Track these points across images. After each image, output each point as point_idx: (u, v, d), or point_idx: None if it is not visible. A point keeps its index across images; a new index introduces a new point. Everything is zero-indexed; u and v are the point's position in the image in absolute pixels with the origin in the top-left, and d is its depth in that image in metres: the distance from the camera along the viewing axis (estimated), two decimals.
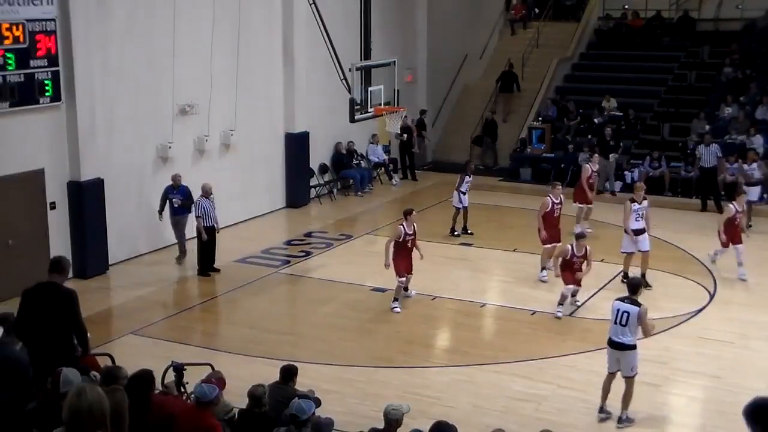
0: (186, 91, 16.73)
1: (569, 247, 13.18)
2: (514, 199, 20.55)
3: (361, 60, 16.62)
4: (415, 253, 13.68)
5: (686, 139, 21.90)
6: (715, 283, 14.59)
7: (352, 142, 21.90)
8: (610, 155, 21.27)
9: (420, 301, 13.64)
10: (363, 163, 22.50)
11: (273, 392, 8.32)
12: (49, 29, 13.98)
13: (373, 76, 16.21)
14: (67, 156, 14.72)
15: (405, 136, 22.53)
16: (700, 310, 13.51)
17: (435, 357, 12.25)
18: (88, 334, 8.71)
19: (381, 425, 7.71)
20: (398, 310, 13.37)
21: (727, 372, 11.29)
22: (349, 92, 15.87)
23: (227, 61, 17.55)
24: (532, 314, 13.43)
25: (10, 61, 13.43)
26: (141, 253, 16.19)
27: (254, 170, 19.08)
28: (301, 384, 8.94)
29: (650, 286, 13.68)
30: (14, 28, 13.44)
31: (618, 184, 21.60)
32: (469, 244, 17.24)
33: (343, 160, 21.76)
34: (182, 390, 8.97)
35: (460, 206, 17.58)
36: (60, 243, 14.71)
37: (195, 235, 15.39)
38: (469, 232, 17.76)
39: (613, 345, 9.86)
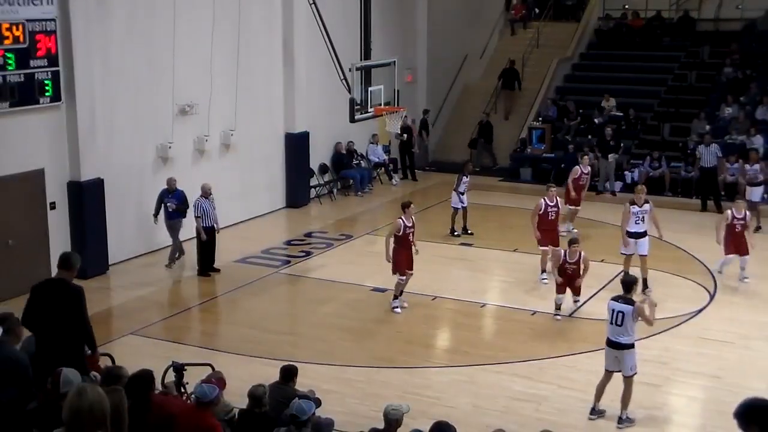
0: (186, 91, 16.73)
1: (562, 252, 13.14)
2: (515, 199, 20.55)
3: (361, 60, 16.61)
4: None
5: (686, 140, 21.90)
6: (716, 284, 14.58)
7: (352, 142, 21.90)
8: (610, 155, 21.29)
9: (420, 302, 13.63)
10: (363, 163, 22.50)
11: (273, 392, 8.32)
12: (49, 29, 13.98)
13: (373, 76, 16.21)
14: (67, 156, 14.71)
15: (405, 136, 22.53)
16: (700, 311, 13.51)
17: (435, 357, 12.25)
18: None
19: (381, 425, 7.70)
20: (399, 309, 13.29)
21: (727, 372, 11.29)
22: (349, 92, 15.86)
23: (227, 61, 17.55)
24: (533, 314, 13.42)
25: (10, 61, 13.42)
26: (141, 253, 16.17)
27: (254, 170, 19.08)
28: (301, 384, 8.94)
29: (649, 289, 13.64)
30: (14, 28, 13.43)
31: (618, 185, 21.62)
32: (470, 245, 17.24)
33: (343, 160, 21.76)
34: (182, 390, 8.97)
35: (459, 207, 17.58)
36: (60, 243, 14.68)
37: (192, 236, 15.37)
38: (469, 232, 17.75)
39: (611, 345, 9.89)
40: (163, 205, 15.45)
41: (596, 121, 23.33)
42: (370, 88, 15.96)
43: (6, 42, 13.35)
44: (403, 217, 13.26)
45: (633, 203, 13.95)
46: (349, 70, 15.90)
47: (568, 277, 12.96)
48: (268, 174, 19.58)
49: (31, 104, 13.89)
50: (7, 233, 13.89)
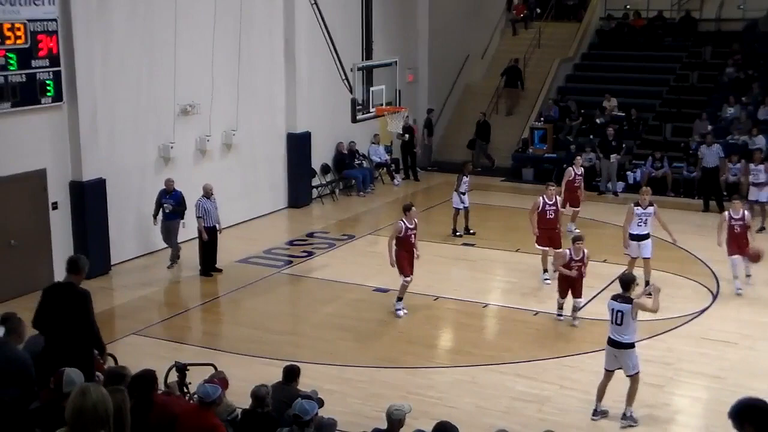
0: (187, 91, 16.73)
1: (567, 251, 12.77)
2: (516, 199, 20.53)
3: (362, 60, 16.60)
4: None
5: (688, 140, 21.89)
6: (718, 284, 14.56)
7: (353, 142, 21.89)
8: (612, 156, 21.28)
9: (422, 302, 13.61)
10: (365, 163, 22.50)
11: (276, 393, 8.30)
12: (50, 29, 13.97)
13: (375, 76, 16.19)
14: (69, 156, 14.71)
15: (407, 136, 22.54)
16: (703, 311, 13.49)
17: (437, 357, 12.24)
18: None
19: (384, 426, 7.68)
20: (401, 312, 13.12)
21: (730, 372, 11.27)
22: (351, 92, 15.85)
23: (229, 60, 17.55)
24: (535, 314, 13.41)
25: (11, 62, 13.42)
26: (143, 253, 16.16)
27: (256, 170, 19.08)
28: (304, 384, 8.92)
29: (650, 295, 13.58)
30: (16, 28, 13.43)
31: (620, 185, 21.62)
32: (472, 245, 17.23)
33: (345, 160, 21.76)
34: (185, 390, 8.97)
35: (461, 207, 17.56)
36: (62, 243, 14.71)
37: (188, 239, 15.35)
38: (471, 232, 17.74)
39: (612, 344, 9.90)
40: (160, 206, 15.40)
41: (598, 121, 23.32)
42: (371, 88, 15.95)
43: (7, 42, 13.35)
44: (404, 219, 13.09)
45: (637, 204, 13.90)
46: (351, 70, 15.89)
47: (573, 277, 12.66)
48: (269, 174, 19.58)
49: (32, 104, 13.89)
50: (10, 233, 13.89)
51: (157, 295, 14.83)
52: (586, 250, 12.72)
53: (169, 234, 15.49)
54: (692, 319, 13.13)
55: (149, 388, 7.33)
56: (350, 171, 21.81)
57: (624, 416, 9.88)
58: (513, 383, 11.01)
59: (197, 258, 15.40)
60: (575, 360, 11.66)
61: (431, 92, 25.35)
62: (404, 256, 13.07)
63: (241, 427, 7.89)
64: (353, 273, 15.36)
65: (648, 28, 26.16)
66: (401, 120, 17.50)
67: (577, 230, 16.79)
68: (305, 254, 16.73)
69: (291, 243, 17.60)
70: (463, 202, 17.50)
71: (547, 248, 14.49)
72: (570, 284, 12.72)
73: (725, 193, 19.92)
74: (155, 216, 15.45)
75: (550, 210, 14.48)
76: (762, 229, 18.01)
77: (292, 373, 8.75)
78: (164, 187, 15.43)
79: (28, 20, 13.63)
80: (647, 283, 13.42)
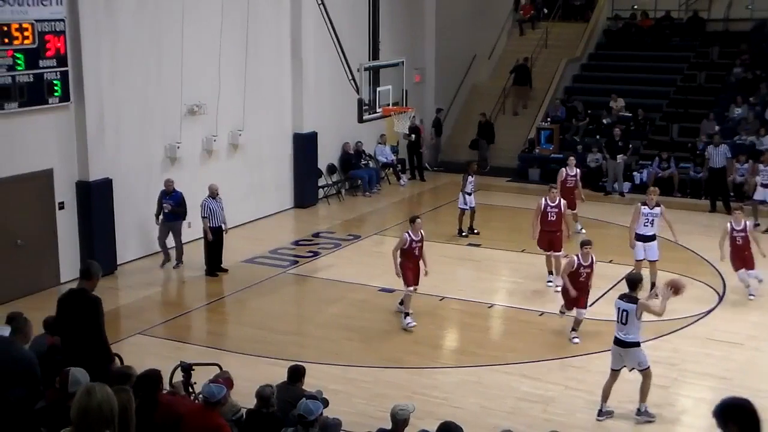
0: (194, 92, 16.76)
1: (575, 258, 12.24)
2: (522, 199, 20.49)
3: (369, 60, 16.60)
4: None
5: (695, 140, 21.83)
6: (724, 284, 14.52)
7: (360, 142, 21.90)
8: (619, 156, 21.24)
9: (428, 302, 13.61)
10: (371, 164, 22.51)
11: (281, 393, 8.32)
12: (58, 29, 14.02)
13: (382, 77, 16.19)
14: (75, 156, 14.75)
15: (413, 136, 22.55)
16: (709, 312, 13.46)
17: (442, 357, 12.25)
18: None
19: (388, 426, 7.70)
20: (413, 324, 12.75)
21: (736, 373, 11.25)
22: (358, 92, 15.85)
23: (235, 61, 17.57)
24: (540, 315, 13.40)
25: (19, 62, 13.47)
26: (149, 253, 16.18)
27: (262, 170, 19.10)
28: (309, 384, 8.94)
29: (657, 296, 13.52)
30: (23, 28, 13.47)
31: (627, 185, 21.58)
32: (477, 245, 17.23)
33: (351, 160, 21.77)
34: (190, 390, 8.99)
35: (466, 207, 17.55)
36: (68, 243, 14.75)
37: (193, 239, 15.36)
38: (475, 231, 17.73)
39: (617, 343, 9.93)
40: (162, 207, 15.37)
41: (605, 121, 23.29)
42: (378, 89, 15.95)
43: (15, 42, 13.39)
44: (409, 231, 12.85)
45: (644, 204, 13.85)
46: (358, 70, 15.89)
47: (582, 285, 12.17)
48: (276, 174, 19.60)
49: (40, 104, 13.93)
50: (16, 233, 13.93)
51: (162, 295, 14.88)
52: (594, 257, 12.32)
53: (166, 235, 15.41)
54: (698, 320, 13.10)
55: (154, 388, 7.36)
56: (356, 171, 21.83)
57: (639, 412, 9.90)
58: (518, 383, 11.01)
59: (203, 258, 15.43)
60: (580, 360, 11.65)
61: (438, 92, 25.34)
62: (408, 267, 12.83)
63: (246, 427, 7.91)
64: (359, 273, 15.37)
65: (655, 29, 26.10)
66: (408, 120, 17.48)
67: (583, 230, 16.80)
68: (311, 254, 16.74)
69: (297, 243, 17.61)
70: (467, 203, 17.49)
71: (548, 252, 14.39)
72: (581, 294, 12.27)
73: (732, 194, 19.90)
74: (158, 216, 15.44)
75: (551, 212, 14.32)
76: (756, 225, 17.93)
77: (296, 373, 8.77)
78: (164, 188, 15.40)
79: (36, 20, 13.68)
80: (653, 285, 13.40)
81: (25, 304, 12.18)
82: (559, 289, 13.81)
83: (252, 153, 18.67)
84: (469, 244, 17.25)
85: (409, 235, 12.80)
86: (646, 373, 9.85)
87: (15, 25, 13.35)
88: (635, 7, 27.09)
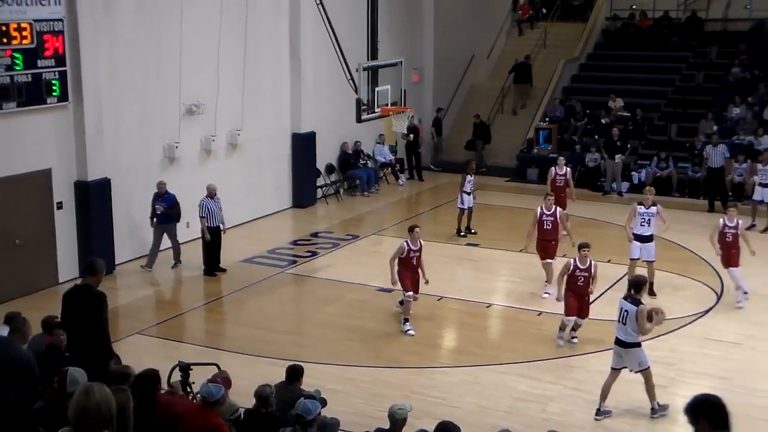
0: (193, 91, 16.76)
1: (571, 261, 11.96)
2: (521, 199, 20.52)
3: (367, 60, 16.60)
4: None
5: (694, 140, 21.86)
6: (722, 284, 14.53)
7: (358, 142, 21.91)
8: (617, 156, 21.26)
9: (426, 302, 13.62)
10: (369, 163, 22.53)
11: (279, 392, 8.33)
12: (56, 29, 14.02)
13: (380, 77, 16.19)
14: (74, 156, 14.75)
15: (411, 136, 22.56)
16: (707, 311, 13.48)
17: (441, 357, 12.26)
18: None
19: (386, 425, 7.71)
20: (412, 332, 12.65)
21: (734, 373, 11.27)
22: (356, 92, 15.85)
23: (234, 60, 17.58)
24: (538, 315, 13.41)
25: (17, 61, 13.46)
26: (147, 253, 16.16)
27: (261, 170, 19.11)
28: (307, 384, 8.95)
29: (655, 295, 13.56)
30: (22, 28, 13.47)
31: (625, 185, 21.60)
32: (476, 245, 17.24)
33: (350, 160, 21.78)
34: (188, 390, 8.99)
35: (464, 207, 17.55)
36: (67, 243, 14.76)
37: (191, 239, 15.36)
38: (472, 231, 17.74)
39: (618, 342, 9.95)
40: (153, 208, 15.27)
41: (603, 121, 23.30)
42: (376, 88, 15.95)
43: (14, 42, 13.39)
44: (408, 240, 12.75)
45: (641, 204, 13.85)
46: (356, 70, 15.89)
47: (579, 289, 11.90)
48: (274, 174, 19.61)
49: (38, 104, 13.93)
50: (15, 233, 13.93)
51: (160, 295, 14.88)
52: (593, 260, 11.98)
53: (160, 237, 15.32)
54: (696, 320, 13.11)
55: (152, 388, 7.36)
56: (355, 171, 21.84)
57: (653, 411, 9.95)
58: (516, 383, 11.02)
59: (201, 258, 15.43)
60: (578, 360, 11.66)
61: (436, 92, 25.35)
62: (406, 276, 12.72)
63: (244, 427, 7.92)
64: (357, 273, 15.38)
65: (654, 28, 26.12)
66: (406, 120, 17.49)
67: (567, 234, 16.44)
68: (309, 254, 16.75)
69: (295, 243, 17.62)
70: (463, 203, 17.48)
71: (545, 261, 14.21)
72: (579, 300, 11.96)
73: (730, 194, 19.93)
74: (152, 218, 15.32)
75: (547, 220, 14.11)
76: (767, 229, 18.02)
77: (295, 373, 8.78)
78: (156, 190, 15.29)
79: (34, 20, 13.67)
80: (651, 285, 13.37)
81: (24, 304, 12.19)
82: (547, 296, 13.84)
83: (250, 153, 18.67)
84: (468, 244, 17.26)
85: (408, 245, 12.69)
86: (646, 373, 9.88)
87: (13, 25, 13.35)
88: (634, 7, 27.12)
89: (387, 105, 16.26)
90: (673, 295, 13.91)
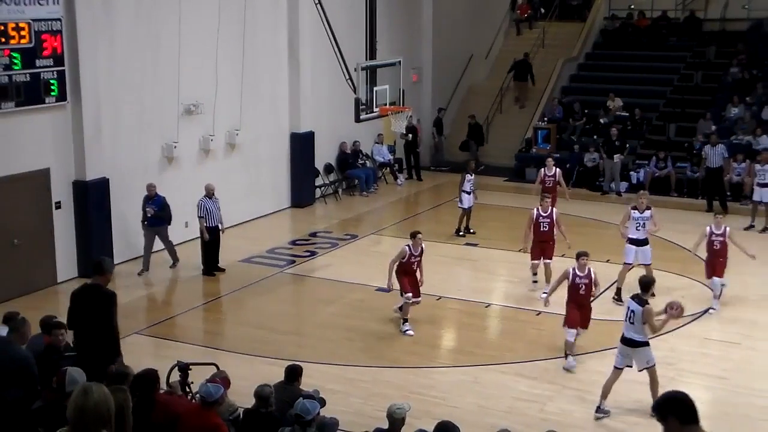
0: (191, 91, 16.74)
1: (570, 270, 11.57)
2: (520, 199, 20.50)
3: (366, 60, 16.61)
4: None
5: (692, 140, 21.87)
6: (721, 284, 14.50)
7: (357, 141, 21.90)
8: (616, 156, 21.26)
9: (425, 302, 13.60)
10: (368, 163, 22.53)
11: (278, 392, 8.31)
12: (54, 29, 14.00)
13: (379, 76, 16.19)
14: (72, 155, 14.74)
15: (410, 136, 22.56)
16: (706, 311, 13.46)
17: (440, 357, 12.25)
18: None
19: (385, 425, 7.70)
20: (411, 333, 12.62)
21: (733, 373, 11.28)
22: (355, 92, 15.84)
23: (233, 60, 17.56)
24: (537, 314, 13.40)
25: (16, 61, 13.45)
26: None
27: (259, 170, 19.10)
28: (306, 384, 8.94)
29: (654, 296, 13.47)
30: (20, 27, 13.45)
31: (623, 185, 21.59)
32: (474, 244, 17.24)
33: (348, 159, 21.77)
34: (187, 389, 8.98)
35: (464, 206, 17.55)
36: (65, 242, 14.74)
37: (190, 238, 15.31)
38: (471, 231, 17.74)
39: (625, 341, 9.95)
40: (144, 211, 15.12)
41: (602, 121, 23.30)
42: (375, 88, 15.96)
43: (12, 42, 13.37)
44: (410, 245, 12.67)
45: (634, 208, 13.82)
46: (355, 69, 15.89)
47: (581, 299, 11.56)
48: (273, 174, 19.60)
49: (36, 104, 13.92)
50: (13, 232, 13.91)
51: (159, 295, 14.87)
52: (592, 269, 11.67)
53: (152, 240, 15.22)
54: (695, 320, 13.11)
55: (151, 388, 7.36)
56: (353, 171, 21.83)
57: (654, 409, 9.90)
58: (515, 383, 11.02)
59: (200, 258, 15.42)
60: (578, 360, 11.64)
61: (435, 92, 25.36)
62: (405, 279, 12.68)
63: (243, 427, 7.91)
64: (356, 273, 15.37)
65: (652, 28, 26.12)
66: (405, 120, 17.50)
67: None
68: (308, 254, 16.74)
69: (294, 243, 17.61)
70: (462, 202, 17.47)
71: (539, 261, 14.20)
72: (580, 310, 11.62)
73: (729, 194, 19.95)
74: (144, 222, 15.18)
75: (544, 222, 14.12)
76: (765, 229, 18.04)
77: (294, 373, 8.77)
78: (146, 192, 15.13)
79: (33, 20, 13.66)
80: None
81: (22, 304, 12.19)
82: (545, 296, 13.77)
83: (249, 152, 18.66)
84: (467, 244, 17.26)
85: (410, 249, 12.63)
86: (652, 371, 9.90)
87: (12, 25, 13.33)
88: (632, 6, 27.13)
89: (386, 105, 16.27)
90: (671, 295, 13.85)
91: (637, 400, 10.12)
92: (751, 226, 18.12)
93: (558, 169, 17.48)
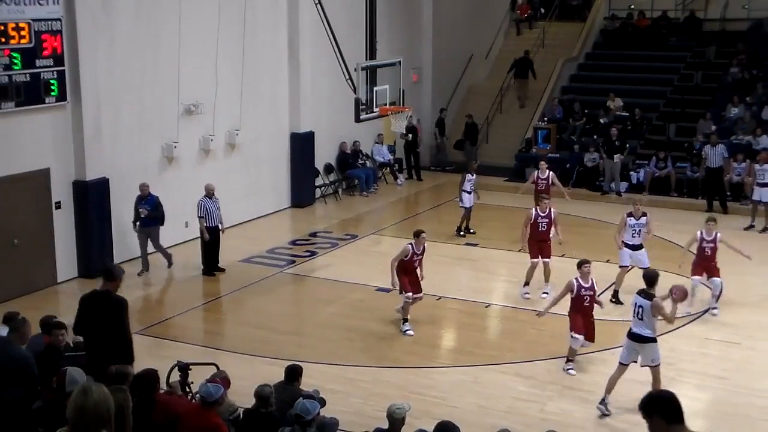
0: (191, 91, 16.74)
1: (574, 282, 11.31)
2: (519, 199, 20.46)
3: (366, 60, 16.62)
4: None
5: (692, 140, 21.87)
6: (722, 284, 14.50)
7: (357, 141, 21.91)
8: (616, 156, 21.26)
9: (425, 302, 13.60)
10: (368, 163, 22.53)
11: (278, 392, 8.31)
12: (54, 29, 14.00)
13: (379, 76, 16.19)
14: (72, 155, 14.74)
15: (410, 136, 22.56)
16: (706, 311, 13.46)
17: (440, 357, 12.25)
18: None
19: (385, 425, 7.70)
20: (411, 333, 12.62)
21: (733, 373, 11.28)
22: (355, 92, 15.85)
23: (233, 60, 17.57)
24: (537, 314, 13.37)
25: (16, 61, 13.45)
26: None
27: (259, 170, 19.10)
28: (306, 384, 8.94)
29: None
30: (20, 27, 13.45)
31: (624, 185, 21.60)
32: (474, 244, 17.24)
33: (348, 159, 21.78)
34: (187, 389, 8.99)
35: (465, 206, 17.55)
36: (65, 242, 14.74)
37: (190, 238, 15.30)
38: (471, 231, 17.74)
39: (634, 337, 9.95)
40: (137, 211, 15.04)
41: (602, 121, 23.30)
42: (375, 88, 15.96)
43: (12, 42, 13.37)
44: (413, 243, 12.65)
45: (630, 215, 13.80)
46: (355, 69, 15.89)
47: (585, 309, 11.35)
48: (273, 174, 19.60)
49: (36, 104, 13.91)
50: (13, 232, 13.91)
51: (159, 295, 14.86)
52: (593, 278, 11.46)
53: (145, 241, 15.16)
54: (695, 319, 13.11)
55: (151, 388, 7.37)
56: (353, 171, 21.83)
57: None
58: (515, 383, 11.02)
59: (200, 258, 15.42)
60: (577, 360, 11.63)
61: (435, 92, 25.36)
62: (405, 278, 12.65)
63: (243, 427, 7.92)
64: (356, 273, 15.37)
65: (652, 28, 26.13)
66: (405, 120, 17.50)
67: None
68: (308, 254, 16.74)
69: (294, 243, 17.61)
70: (463, 201, 17.48)
71: (538, 260, 14.16)
72: (584, 319, 11.38)
73: (728, 193, 19.95)
74: (135, 222, 15.09)
75: (542, 222, 14.11)
76: (765, 229, 18.04)
77: (294, 373, 8.77)
78: (139, 192, 15.05)
79: (33, 20, 13.65)
80: None
81: (22, 304, 12.19)
82: (545, 296, 13.80)
83: (249, 152, 18.66)
84: (467, 244, 17.26)
85: (412, 248, 12.63)
86: (656, 370, 9.93)
87: (12, 25, 13.33)
88: (632, 6, 27.13)
89: (386, 105, 16.27)
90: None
91: (638, 399, 9.95)
92: (751, 226, 18.14)
93: (551, 172, 17.48)
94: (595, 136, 22.91)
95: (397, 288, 12.80)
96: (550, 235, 14.28)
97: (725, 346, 12.19)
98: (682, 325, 12.82)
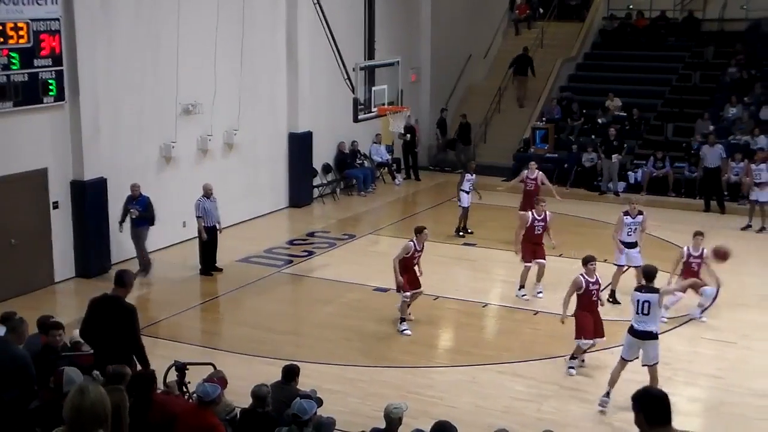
0: (189, 91, 16.74)
1: (581, 278, 11.23)
2: (518, 199, 20.43)
3: (364, 60, 16.63)
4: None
5: (690, 140, 21.90)
6: (718, 284, 14.51)
7: (355, 141, 21.92)
8: (614, 156, 21.28)
9: (423, 301, 13.62)
10: (366, 163, 22.54)
11: (275, 392, 8.32)
12: (53, 29, 14.00)
13: (377, 76, 16.21)
14: (70, 155, 14.74)
15: (408, 136, 22.56)
16: (702, 311, 13.47)
17: (437, 357, 12.26)
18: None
19: (382, 425, 7.71)
20: (409, 332, 12.64)
21: (728, 372, 11.30)
22: (353, 92, 15.86)
23: (231, 60, 17.57)
24: (535, 314, 13.42)
25: (14, 61, 13.44)
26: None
27: (257, 170, 19.10)
28: (303, 384, 8.94)
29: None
30: (18, 27, 13.45)
31: (622, 185, 21.62)
32: (472, 244, 17.26)
33: (346, 159, 21.78)
34: (184, 389, 9.00)
35: (463, 205, 17.57)
36: (63, 242, 14.75)
37: (188, 238, 15.29)
38: (469, 231, 17.76)
39: (637, 334, 9.99)
40: (128, 212, 14.89)
41: (600, 121, 23.32)
42: (373, 88, 15.97)
43: (10, 41, 13.37)
44: (414, 240, 12.67)
45: (627, 213, 13.83)
46: (353, 69, 15.91)
47: (593, 306, 11.22)
48: (271, 174, 19.61)
49: (34, 104, 13.91)
50: (10, 232, 13.91)
51: (156, 294, 14.85)
52: (598, 276, 11.38)
53: (139, 241, 15.07)
54: (691, 319, 13.13)
55: (148, 388, 7.37)
56: (351, 171, 21.84)
57: None
58: (512, 383, 11.03)
59: (197, 257, 15.43)
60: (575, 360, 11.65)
61: (434, 92, 25.37)
62: (404, 276, 12.65)
63: (240, 427, 7.92)
64: (354, 272, 15.38)
65: (651, 28, 26.15)
66: (403, 120, 17.51)
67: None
68: (306, 254, 16.75)
69: (292, 242, 17.62)
70: (462, 201, 17.49)
71: (531, 263, 14.12)
72: (593, 316, 11.22)
73: (726, 193, 19.97)
74: (121, 223, 14.96)
75: (538, 226, 14.08)
76: (762, 229, 18.07)
77: (291, 373, 8.78)
78: (130, 192, 14.93)
79: (31, 20, 13.65)
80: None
81: (19, 304, 12.19)
82: (541, 295, 13.88)
83: (247, 152, 18.67)
84: (465, 244, 17.28)
85: (414, 245, 12.65)
86: (654, 369, 9.98)
87: (10, 24, 13.33)
88: (630, 6, 27.15)
89: (384, 105, 16.28)
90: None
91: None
92: (749, 226, 18.16)
93: (540, 173, 17.38)
94: (593, 136, 22.93)
95: (401, 288, 12.79)
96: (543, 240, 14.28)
97: (721, 345, 12.22)
98: (679, 325, 12.85)
